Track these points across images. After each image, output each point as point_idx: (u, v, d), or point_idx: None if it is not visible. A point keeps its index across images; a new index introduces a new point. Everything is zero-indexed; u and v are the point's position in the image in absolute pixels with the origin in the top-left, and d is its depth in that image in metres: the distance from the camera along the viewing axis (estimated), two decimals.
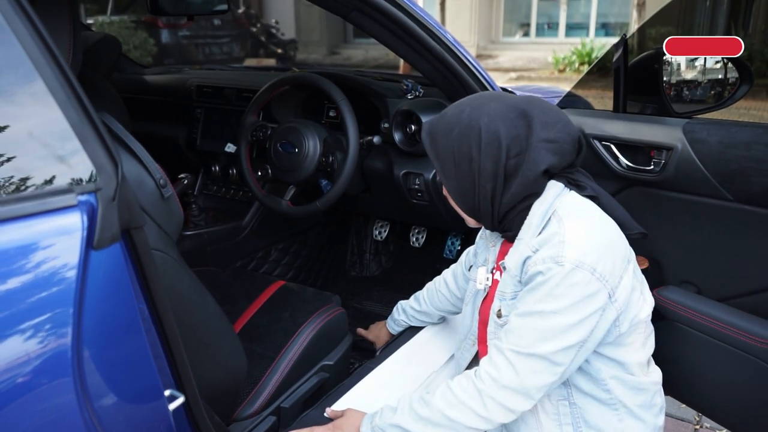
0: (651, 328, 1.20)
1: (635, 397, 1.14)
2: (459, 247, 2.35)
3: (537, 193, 1.11)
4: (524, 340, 1.05)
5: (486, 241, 1.30)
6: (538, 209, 1.10)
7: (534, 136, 1.08)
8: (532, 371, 1.05)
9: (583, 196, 1.13)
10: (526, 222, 1.12)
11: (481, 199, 1.12)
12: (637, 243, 1.16)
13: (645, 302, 1.15)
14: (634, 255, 1.13)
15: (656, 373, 1.22)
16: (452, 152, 1.12)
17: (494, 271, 1.25)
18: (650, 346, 1.20)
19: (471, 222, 1.21)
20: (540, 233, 1.08)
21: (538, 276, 1.05)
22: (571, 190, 1.13)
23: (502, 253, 1.23)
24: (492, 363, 1.08)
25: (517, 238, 1.14)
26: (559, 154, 1.10)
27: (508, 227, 1.16)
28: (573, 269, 1.01)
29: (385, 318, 2.23)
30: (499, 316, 1.15)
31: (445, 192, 1.20)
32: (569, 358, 1.05)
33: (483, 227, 1.32)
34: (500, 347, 1.08)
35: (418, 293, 1.65)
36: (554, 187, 1.12)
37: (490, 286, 1.25)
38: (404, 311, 1.66)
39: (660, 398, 1.21)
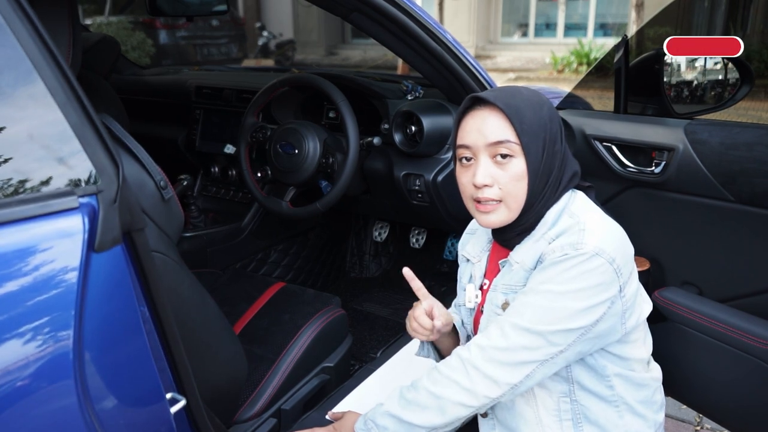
0: (647, 325, 1.20)
1: (636, 393, 1.14)
2: None
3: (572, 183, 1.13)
4: (525, 317, 1.02)
5: (469, 259, 1.27)
6: (554, 208, 1.10)
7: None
8: (524, 347, 1.02)
9: (584, 186, 1.15)
10: (542, 221, 1.10)
11: (551, 185, 1.09)
12: (638, 244, 1.16)
13: (644, 302, 1.16)
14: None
15: (656, 370, 1.22)
16: (543, 129, 1.06)
17: (484, 285, 1.22)
18: (649, 343, 1.20)
19: (505, 218, 1.09)
20: (554, 228, 1.07)
21: (553, 258, 1.03)
22: (576, 190, 1.14)
23: (493, 264, 1.21)
24: (485, 334, 1.06)
25: (528, 235, 1.11)
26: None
27: (528, 228, 1.11)
28: (593, 256, 1.00)
29: (384, 319, 2.22)
30: (505, 309, 1.12)
31: (497, 175, 1.06)
32: (567, 342, 1.02)
33: (465, 242, 1.30)
34: (499, 320, 1.06)
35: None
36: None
37: (479, 303, 1.22)
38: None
39: (660, 395, 1.21)
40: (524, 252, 1.10)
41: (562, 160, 1.10)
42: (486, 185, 1.07)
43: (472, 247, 1.27)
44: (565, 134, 1.11)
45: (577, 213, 1.07)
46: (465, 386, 1.05)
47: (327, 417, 1.33)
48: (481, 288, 1.23)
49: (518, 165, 1.05)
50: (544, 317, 1.01)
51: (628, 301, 1.06)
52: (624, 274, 1.03)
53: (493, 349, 1.04)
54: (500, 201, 1.07)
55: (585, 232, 1.02)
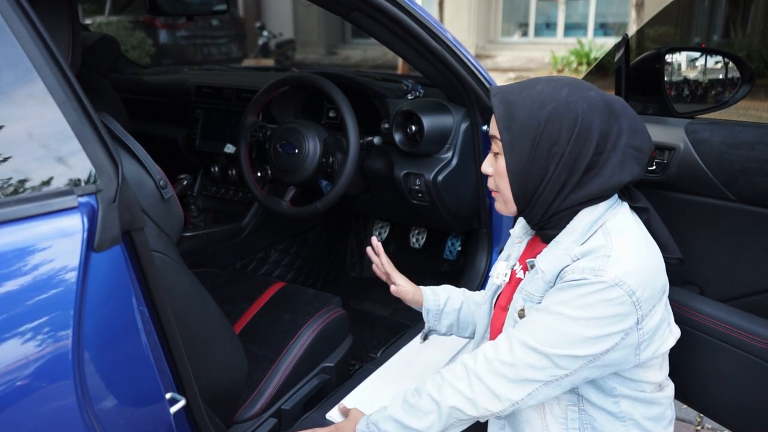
0: (667, 352, 1.16)
1: (646, 410, 1.12)
2: (459, 248, 2.35)
3: (604, 197, 1.05)
4: (534, 336, 1.01)
5: (512, 238, 1.27)
6: (586, 217, 1.05)
7: (623, 140, 1.02)
8: (529, 366, 1.01)
9: (636, 206, 1.10)
10: (570, 227, 1.06)
11: (547, 188, 1.04)
12: None
13: (671, 334, 1.12)
14: (668, 287, 1.09)
15: (669, 388, 1.19)
16: (536, 129, 1.02)
17: (515, 267, 1.21)
18: (666, 367, 1.17)
19: (506, 209, 1.12)
20: (583, 243, 1.03)
21: (571, 280, 1.00)
22: (623, 201, 1.09)
23: (529, 250, 1.19)
24: (494, 345, 1.06)
25: (554, 240, 1.08)
26: (642, 166, 1.04)
27: (551, 226, 1.10)
28: (612, 286, 0.96)
29: (384, 319, 2.22)
30: (521, 316, 1.11)
31: (494, 167, 1.11)
32: (573, 367, 1.01)
33: (518, 220, 1.26)
34: (510, 333, 1.05)
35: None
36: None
37: (507, 282, 1.22)
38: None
39: (671, 411, 1.19)
40: (549, 261, 1.07)
41: (571, 165, 1.02)
42: (487, 175, 1.14)
43: (518, 227, 1.27)
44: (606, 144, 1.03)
45: (611, 233, 1.02)
46: (467, 395, 1.05)
47: (336, 408, 1.33)
48: (512, 269, 1.22)
49: (503, 162, 1.08)
50: (552, 339, 1.00)
51: (646, 334, 1.02)
52: (644, 307, 0.99)
53: (499, 362, 1.03)
54: (498, 192, 1.13)
55: (609, 259, 0.98)
